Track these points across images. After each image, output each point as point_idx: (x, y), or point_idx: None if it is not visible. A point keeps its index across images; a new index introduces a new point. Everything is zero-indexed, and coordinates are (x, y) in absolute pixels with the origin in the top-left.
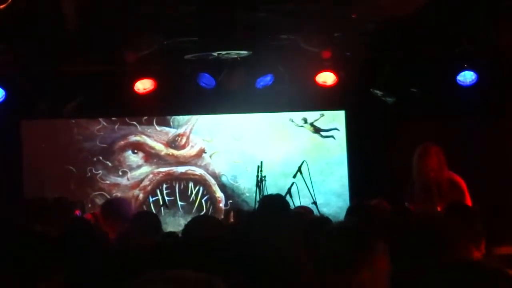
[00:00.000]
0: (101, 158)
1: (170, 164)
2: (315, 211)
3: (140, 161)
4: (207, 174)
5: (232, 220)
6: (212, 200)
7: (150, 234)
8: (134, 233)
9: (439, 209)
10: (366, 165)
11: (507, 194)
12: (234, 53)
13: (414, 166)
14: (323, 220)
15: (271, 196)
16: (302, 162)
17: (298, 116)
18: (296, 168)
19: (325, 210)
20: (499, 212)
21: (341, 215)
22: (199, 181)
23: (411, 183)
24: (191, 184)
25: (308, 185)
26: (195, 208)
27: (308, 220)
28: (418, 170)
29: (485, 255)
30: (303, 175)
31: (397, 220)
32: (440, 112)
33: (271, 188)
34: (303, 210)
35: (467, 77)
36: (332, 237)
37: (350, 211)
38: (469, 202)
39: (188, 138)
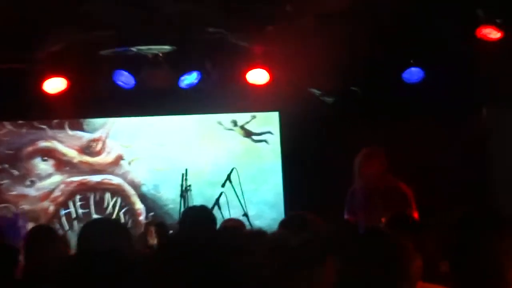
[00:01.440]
0: (6, 166)
1: (84, 173)
2: (247, 224)
3: (51, 169)
4: (125, 184)
5: (153, 234)
6: (131, 212)
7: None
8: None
9: (383, 221)
10: (303, 172)
11: (458, 202)
12: (155, 48)
13: (355, 172)
14: (257, 234)
15: (194, 208)
16: (232, 170)
17: (227, 118)
18: (225, 176)
19: (258, 222)
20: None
21: (275, 228)
22: (117, 191)
23: (351, 192)
24: (107, 195)
25: (238, 195)
26: None
27: (240, 234)
28: (360, 177)
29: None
30: (233, 183)
31: (333, 235)
32: (385, 112)
33: (197, 198)
34: (233, 223)
35: (413, 74)
36: (266, 253)
37: (283, 223)
38: (415, 211)
39: (104, 143)
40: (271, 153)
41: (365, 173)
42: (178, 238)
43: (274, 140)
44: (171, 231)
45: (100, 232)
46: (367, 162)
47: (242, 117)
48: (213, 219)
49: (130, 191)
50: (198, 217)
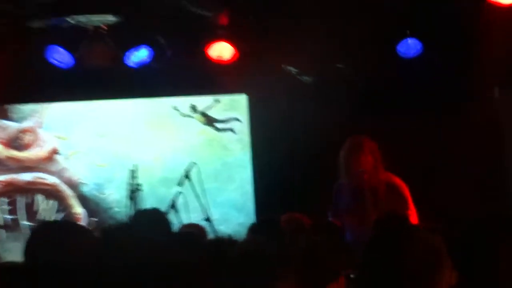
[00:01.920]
0: None
1: (12, 170)
2: (209, 230)
3: None
4: (62, 183)
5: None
6: (69, 217)
7: None
8: None
9: None
10: (277, 168)
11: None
12: (97, 19)
13: (341, 166)
14: (223, 242)
15: (146, 212)
16: (191, 165)
17: (184, 102)
18: (183, 173)
19: (223, 228)
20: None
21: (243, 235)
22: (51, 192)
23: (336, 189)
24: (40, 198)
25: (198, 195)
26: None
27: (202, 243)
28: (346, 172)
29: None
30: (192, 181)
31: (315, 241)
32: (377, 95)
33: (149, 199)
34: (193, 230)
35: (409, 47)
36: (235, 265)
37: (253, 229)
38: (413, 212)
39: (35, 134)
40: (238, 144)
41: (353, 168)
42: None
43: (242, 129)
44: None
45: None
46: (355, 155)
47: (202, 101)
48: (168, 224)
49: (68, 192)
50: (150, 222)
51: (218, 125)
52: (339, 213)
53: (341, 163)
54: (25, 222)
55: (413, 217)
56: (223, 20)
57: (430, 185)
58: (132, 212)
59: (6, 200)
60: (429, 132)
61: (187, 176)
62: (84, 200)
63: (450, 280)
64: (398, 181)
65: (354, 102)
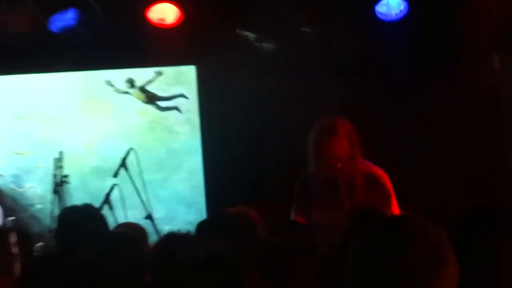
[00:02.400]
0: None
1: None
2: (151, 231)
3: None
4: None
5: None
6: None
7: None
8: None
9: None
10: (232, 154)
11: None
12: None
13: (309, 152)
14: (174, 241)
15: (74, 209)
16: (128, 152)
17: (120, 76)
18: (119, 162)
19: (168, 228)
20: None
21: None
22: None
23: (302, 180)
24: None
25: (138, 188)
26: None
27: (139, 247)
28: (316, 159)
29: None
30: (130, 172)
31: (273, 243)
32: (352, 64)
33: (78, 194)
34: (131, 231)
35: (391, 7)
36: (189, 272)
37: (201, 228)
38: (396, 209)
39: None
40: (185, 127)
41: (324, 154)
42: (50, 255)
43: (190, 107)
44: (39, 244)
45: None
46: (327, 139)
47: (142, 75)
48: (102, 224)
49: None
50: (80, 222)
51: (161, 103)
52: (305, 209)
53: (309, 148)
54: None
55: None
56: None
57: (418, 175)
58: (58, 209)
59: None
60: (416, 107)
61: (124, 165)
62: None
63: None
64: (378, 171)
65: (324, 73)
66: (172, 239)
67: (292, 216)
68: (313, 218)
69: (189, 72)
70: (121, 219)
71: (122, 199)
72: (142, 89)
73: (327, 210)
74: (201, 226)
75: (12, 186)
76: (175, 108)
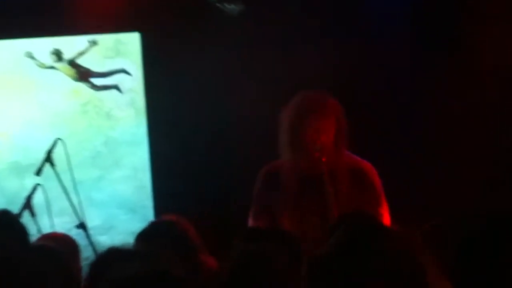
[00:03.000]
0: None
1: None
2: (84, 244)
3: None
4: None
5: None
6: None
7: None
8: None
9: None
10: (186, 144)
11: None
12: None
13: (283, 136)
14: (114, 257)
15: None
16: (54, 143)
17: (43, 46)
18: (43, 156)
19: (105, 239)
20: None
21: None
22: None
23: (267, 175)
24: None
25: (67, 190)
26: None
27: (80, 265)
28: (293, 146)
29: None
30: (57, 169)
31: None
32: (337, 25)
33: None
34: (58, 243)
35: None
36: None
37: (142, 237)
38: (385, 208)
39: None
40: (127, 110)
41: (305, 140)
42: None
43: (133, 86)
44: None
45: None
46: (311, 119)
47: (71, 45)
48: (22, 234)
49: None
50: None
51: (96, 81)
52: (269, 213)
53: (284, 131)
54: None
55: (386, 217)
56: None
57: (414, 168)
58: None
59: None
60: (414, 86)
61: (49, 160)
62: None
63: None
64: (366, 166)
65: (301, 36)
66: (112, 254)
67: (250, 223)
68: (280, 225)
69: (131, 42)
70: (46, 229)
71: (47, 203)
72: (72, 63)
73: (302, 216)
74: (142, 235)
75: None
76: (114, 87)
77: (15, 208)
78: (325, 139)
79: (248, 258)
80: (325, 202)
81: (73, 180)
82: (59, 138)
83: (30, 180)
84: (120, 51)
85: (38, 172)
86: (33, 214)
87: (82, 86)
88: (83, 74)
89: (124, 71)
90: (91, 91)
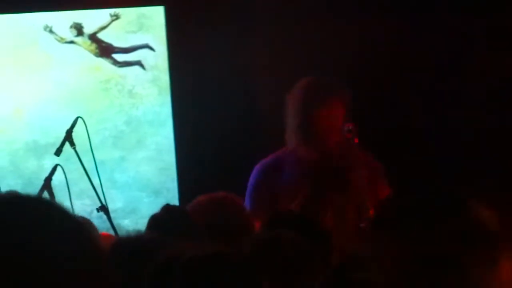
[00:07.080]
0: None
1: None
2: (105, 227)
3: None
4: None
5: None
6: None
7: None
8: None
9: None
10: (213, 125)
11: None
12: None
13: (293, 118)
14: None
15: (1, 199)
16: (74, 122)
17: (63, 20)
18: (62, 135)
19: (127, 222)
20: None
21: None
22: None
23: (276, 162)
24: None
25: (88, 170)
26: None
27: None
28: (305, 128)
29: None
30: (78, 149)
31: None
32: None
33: (8, 177)
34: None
35: None
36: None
37: (153, 222)
38: None
39: None
40: (151, 88)
41: (320, 123)
42: None
43: (158, 63)
44: None
45: None
46: (327, 102)
47: (92, 18)
48: (39, 218)
49: None
50: (9, 215)
51: (118, 57)
52: (266, 203)
53: (293, 112)
54: None
55: None
56: None
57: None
58: None
59: None
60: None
61: (69, 140)
62: None
63: None
64: (381, 165)
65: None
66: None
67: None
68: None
69: (155, 16)
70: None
71: (67, 185)
72: (93, 38)
73: (318, 204)
74: (152, 221)
75: None
76: (137, 63)
77: (33, 190)
78: (334, 129)
79: (262, 245)
80: (351, 191)
81: (94, 160)
82: (79, 117)
83: (50, 161)
84: (143, 26)
85: (58, 152)
86: (52, 196)
87: (103, 62)
88: (104, 50)
89: (147, 46)
90: (113, 67)
